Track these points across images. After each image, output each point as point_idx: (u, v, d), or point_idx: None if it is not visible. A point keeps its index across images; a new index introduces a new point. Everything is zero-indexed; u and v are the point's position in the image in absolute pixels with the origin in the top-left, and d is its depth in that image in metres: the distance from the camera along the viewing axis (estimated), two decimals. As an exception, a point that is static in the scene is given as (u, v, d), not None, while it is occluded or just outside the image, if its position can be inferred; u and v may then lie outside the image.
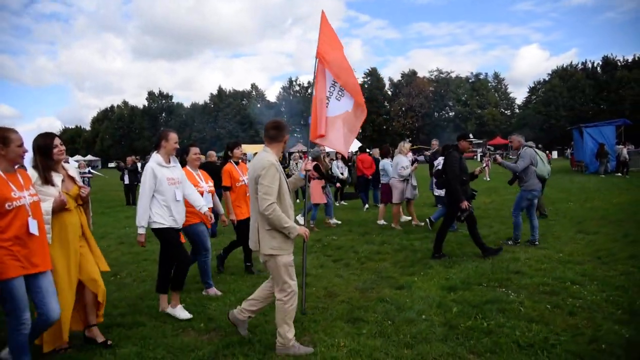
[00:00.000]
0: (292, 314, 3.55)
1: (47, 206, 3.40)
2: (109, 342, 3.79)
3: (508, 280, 5.22)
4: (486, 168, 18.78)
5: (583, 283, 4.98)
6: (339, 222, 9.98)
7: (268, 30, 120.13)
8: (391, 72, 78.66)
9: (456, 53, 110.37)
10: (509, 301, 4.48)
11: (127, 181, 15.54)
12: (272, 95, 79.66)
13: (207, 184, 5.35)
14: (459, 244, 7.21)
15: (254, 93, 79.91)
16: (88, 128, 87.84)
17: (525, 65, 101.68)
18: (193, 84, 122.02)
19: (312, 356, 3.45)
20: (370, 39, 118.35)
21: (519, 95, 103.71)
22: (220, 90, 79.05)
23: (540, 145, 22.76)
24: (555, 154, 46.57)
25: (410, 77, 68.99)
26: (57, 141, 3.65)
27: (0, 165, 3.04)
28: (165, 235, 4.37)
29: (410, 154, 9.65)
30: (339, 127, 4.68)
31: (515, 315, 4.12)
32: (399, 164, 8.93)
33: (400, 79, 70.62)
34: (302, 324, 4.00)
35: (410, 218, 9.65)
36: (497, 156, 7.73)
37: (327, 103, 4.63)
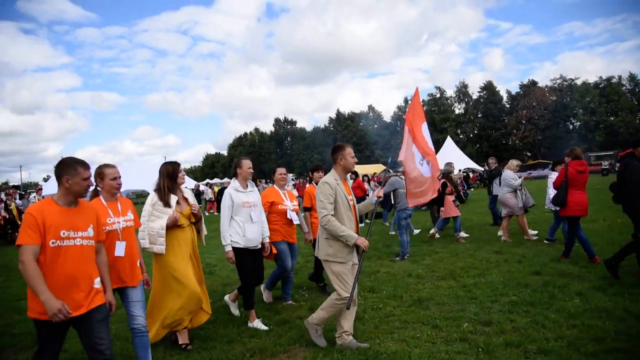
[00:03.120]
0: (335, 310, 4.08)
1: (163, 222, 4.05)
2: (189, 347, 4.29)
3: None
4: None
5: (378, 291, 6.33)
6: (467, 235, 10.40)
7: (404, 48, 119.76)
8: (538, 79, 68.96)
9: (615, 52, 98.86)
10: (296, 299, 6.19)
11: (193, 203, 19.36)
12: (387, 115, 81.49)
13: (292, 203, 5.70)
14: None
15: (370, 114, 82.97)
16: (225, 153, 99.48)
17: None
18: (331, 105, 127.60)
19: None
20: (512, 46, 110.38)
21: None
22: (338, 113, 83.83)
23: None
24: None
25: (529, 87, 64.89)
26: (181, 168, 4.34)
27: (102, 195, 3.52)
28: (237, 254, 4.80)
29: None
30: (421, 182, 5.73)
31: (276, 309, 5.74)
32: (507, 177, 9.29)
33: (518, 90, 66.84)
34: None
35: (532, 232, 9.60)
36: (380, 175, 9.19)
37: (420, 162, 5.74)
